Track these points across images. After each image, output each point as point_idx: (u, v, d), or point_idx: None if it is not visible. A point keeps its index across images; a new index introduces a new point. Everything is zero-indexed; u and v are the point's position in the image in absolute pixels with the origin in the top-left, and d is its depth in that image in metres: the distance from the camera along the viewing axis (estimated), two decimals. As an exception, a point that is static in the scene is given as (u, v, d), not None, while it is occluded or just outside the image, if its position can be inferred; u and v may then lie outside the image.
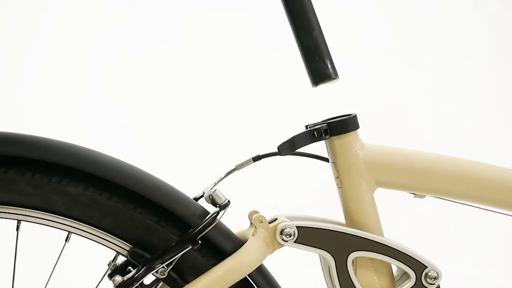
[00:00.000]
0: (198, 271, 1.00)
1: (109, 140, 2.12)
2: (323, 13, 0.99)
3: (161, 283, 1.01)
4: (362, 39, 2.80)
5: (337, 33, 1.09)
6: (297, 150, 1.03)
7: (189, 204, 1.01)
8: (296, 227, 1.00)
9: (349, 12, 2.78)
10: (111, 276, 1.01)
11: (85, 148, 1.00)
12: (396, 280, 1.05)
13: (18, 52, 2.70)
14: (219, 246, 1.01)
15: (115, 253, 1.02)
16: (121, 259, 1.03)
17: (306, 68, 1.02)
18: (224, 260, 1.00)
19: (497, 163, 1.07)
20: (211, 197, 1.01)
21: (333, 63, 1.01)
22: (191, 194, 1.03)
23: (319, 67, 1.01)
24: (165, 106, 2.65)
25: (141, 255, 1.00)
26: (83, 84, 2.68)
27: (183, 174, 1.71)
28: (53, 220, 0.99)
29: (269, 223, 1.02)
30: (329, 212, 1.08)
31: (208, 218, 0.99)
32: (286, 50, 1.04)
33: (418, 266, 1.02)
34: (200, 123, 2.55)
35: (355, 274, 1.02)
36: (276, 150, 1.02)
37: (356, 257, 1.02)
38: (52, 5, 2.63)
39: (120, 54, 2.69)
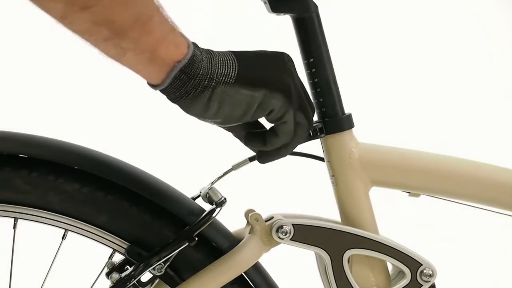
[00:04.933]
0: (195, 269, 1.00)
1: (106, 138, 2.12)
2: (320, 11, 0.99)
3: (158, 280, 1.02)
4: (359, 38, 2.80)
5: (333, 31, 1.09)
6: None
7: (185, 202, 1.01)
8: (292, 225, 1.01)
9: (346, 10, 2.78)
10: (108, 274, 1.02)
11: (81, 146, 1.00)
12: (392, 278, 1.05)
13: (16, 49, 2.70)
14: (215, 243, 1.01)
15: (111, 251, 1.03)
16: (118, 258, 1.03)
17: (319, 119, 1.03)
18: (221, 258, 1.00)
19: (495, 163, 1.07)
20: (207, 195, 1.02)
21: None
22: (188, 194, 1.04)
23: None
24: (162, 105, 2.65)
25: (138, 252, 1.00)
26: (81, 83, 2.68)
27: (181, 174, 1.71)
28: (50, 217, 1.00)
29: (265, 221, 1.02)
30: (324, 211, 1.09)
31: (205, 215, 1.00)
32: (284, 49, 1.04)
33: (413, 264, 1.03)
34: (197, 123, 2.55)
35: (351, 272, 1.03)
36: (272, 149, 1.02)
37: (351, 255, 1.02)
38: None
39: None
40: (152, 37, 0.85)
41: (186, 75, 0.87)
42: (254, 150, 0.99)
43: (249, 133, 0.97)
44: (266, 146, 0.95)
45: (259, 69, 0.92)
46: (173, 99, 0.89)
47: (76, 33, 0.83)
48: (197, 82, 0.88)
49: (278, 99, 0.92)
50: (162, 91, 0.89)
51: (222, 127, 0.96)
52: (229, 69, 0.90)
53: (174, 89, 0.88)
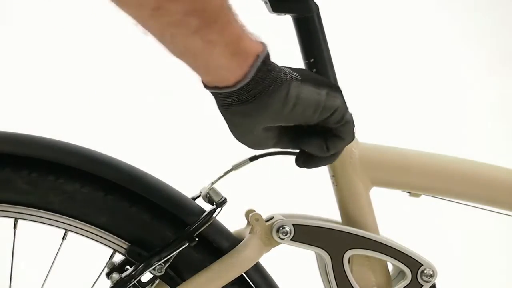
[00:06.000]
0: (195, 269, 1.00)
1: (106, 139, 2.13)
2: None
3: (158, 280, 1.02)
4: (359, 38, 2.80)
5: (334, 31, 1.09)
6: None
7: (185, 202, 1.01)
8: (293, 225, 1.01)
9: (347, 10, 2.78)
10: (108, 275, 1.02)
11: (81, 146, 1.00)
12: (392, 278, 1.05)
13: (16, 50, 2.70)
14: (216, 243, 1.01)
15: (112, 251, 1.03)
16: (118, 259, 1.03)
17: None
18: (221, 258, 1.00)
19: (495, 163, 1.07)
20: (208, 195, 1.02)
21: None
22: (188, 194, 1.04)
23: None
24: (162, 105, 2.65)
25: (139, 253, 1.00)
26: (81, 83, 2.68)
27: (181, 174, 1.71)
28: (50, 218, 1.00)
29: (266, 221, 1.02)
30: (325, 211, 1.09)
31: (205, 215, 1.00)
32: (284, 49, 1.04)
33: (413, 264, 1.03)
34: (197, 123, 2.55)
35: (351, 272, 1.03)
36: (273, 150, 1.02)
37: (352, 255, 1.02)
38: (45, 5, 2.63)
39: (117, 50, 2.69)
40: (235, 28, 0.84)
41: (267, 67, 0.86)
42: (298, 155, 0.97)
43: (308, 138, 0.94)
44: (329, 150, 0.94)
45: (310, 73, 0.92)
46: (250, 97, 0.86)
47: (165, 28, 0.81)
48: (275, 74, 0.87)
49: (339, 98, 0.92)
50: (239, 90, 0.86)
51: (270, 142, 0.94)
52: (290, 69, 0.90)
53: (255, 84, 0.86)
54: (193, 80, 0.88)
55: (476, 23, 2.96)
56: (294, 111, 0.89)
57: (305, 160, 0.97)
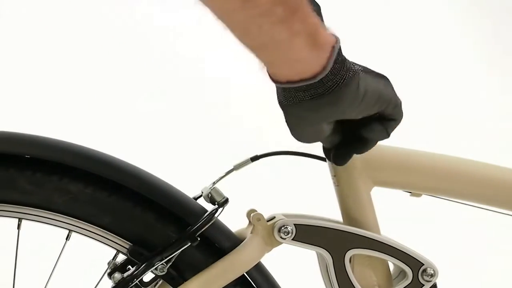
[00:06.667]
0: (197, 269, 1.01)
1: (109, 139, 2.13)
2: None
3: (160, 280, 1.02)
4: (359, 38, 2.80)
5: (334, 31, 1.10)
6: (294, 150, 1.04)
7: (187, 202, 1.02)
8: (294, 225, 1.01)
9: (347, 10, 2.78)
10: (111, 274, 1.02)
11: (85, 146, 1.01)
12: (393, 278, 1.06)
13: (18, 50, 2.70)
14: (217, 243, 1.02)
15: (115, 251, 1.03)
16: (121, 258, 1.03)
17: None
18: (223, 258, 1.01)
19: (496, 163, 1.07)
20: (209, 195, 1.02)
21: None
22: (190, 194, 1.04)
23: None
24: (164, 105, 2.65)
25: (141, 253, 1.00)
26: (83, 83, 2.68)
27: (183, 174, 1.71)
28: (54, 218, 1.00)
29: (267, 221, 1.02)
30: (326, 211, 1.09)
31: (207, 215, 1.00)
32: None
33: (414, 264, 1.03)
34: (199, 123, 2.56)
35: (353, 272, 1.03)
36: (274, 150, 1.03)
37: (353, 255, 1.03)
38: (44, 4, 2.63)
39: (116, 50, 2.69)
40: (314, 19, 0.83)
41: (341, 58, 0.86)
42: (326, 153, 0.97)
43: (370, 125, 0.94)
44: (388, 135, 0.95)
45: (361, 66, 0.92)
46: (325, 90, 0.85)
47: (253, 19, 0.79)
48: (348, 66, 0.87)
49: (391, 86, 0.93)
50: (317, 83, 0.85)
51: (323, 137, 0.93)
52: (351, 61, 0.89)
53: (333, 75, 0.85)
54: (193, 80, 0.89)
55: (475, 21, 2.96)
56: (362, 104, 0.89)
57: (344, 154, 0.97)
